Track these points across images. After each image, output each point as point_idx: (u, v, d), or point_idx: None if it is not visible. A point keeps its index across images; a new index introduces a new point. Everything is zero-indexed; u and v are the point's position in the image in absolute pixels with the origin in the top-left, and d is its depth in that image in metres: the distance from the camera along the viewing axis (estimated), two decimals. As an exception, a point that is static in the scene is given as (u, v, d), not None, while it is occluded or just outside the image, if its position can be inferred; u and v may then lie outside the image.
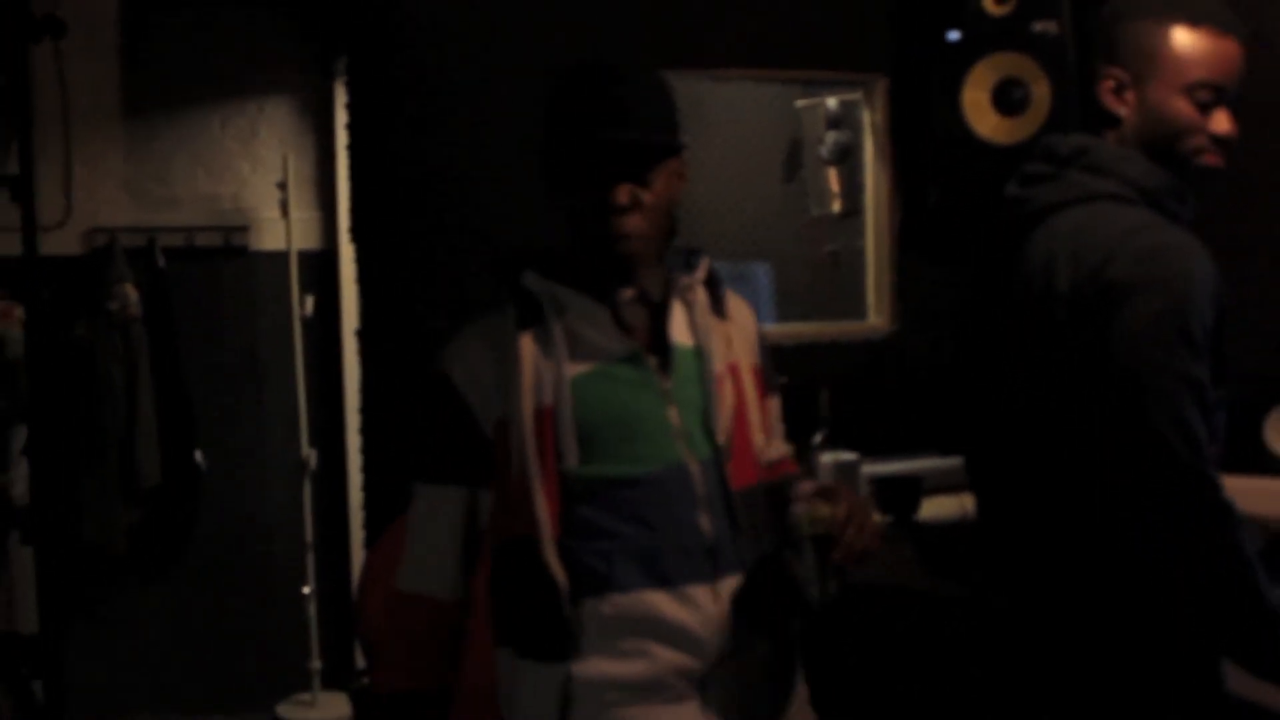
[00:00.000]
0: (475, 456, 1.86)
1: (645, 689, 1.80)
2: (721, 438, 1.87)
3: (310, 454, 4.55)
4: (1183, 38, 1.89)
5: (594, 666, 1.79)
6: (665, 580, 1.79)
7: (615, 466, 1.81)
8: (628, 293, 1.88)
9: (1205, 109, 1.89)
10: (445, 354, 1.91)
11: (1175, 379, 1.72)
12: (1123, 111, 1.93)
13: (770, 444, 2.05)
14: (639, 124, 1.81)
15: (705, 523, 1.83)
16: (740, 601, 1.84)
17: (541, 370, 1.82)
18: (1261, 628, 1.71)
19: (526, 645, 1.83)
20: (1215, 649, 1.82)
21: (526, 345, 1.83)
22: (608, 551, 1.79)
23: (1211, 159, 1.91)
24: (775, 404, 2.10)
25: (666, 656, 1.79)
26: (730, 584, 1.83)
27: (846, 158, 3.86)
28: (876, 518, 2.96)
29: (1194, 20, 1.89)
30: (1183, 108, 1.89)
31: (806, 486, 1.94)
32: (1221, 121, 1.90)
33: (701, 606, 1.80)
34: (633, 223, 1.81)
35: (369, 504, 3.25)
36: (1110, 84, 1.94)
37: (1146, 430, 1.72)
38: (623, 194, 1.80)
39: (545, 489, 1.79)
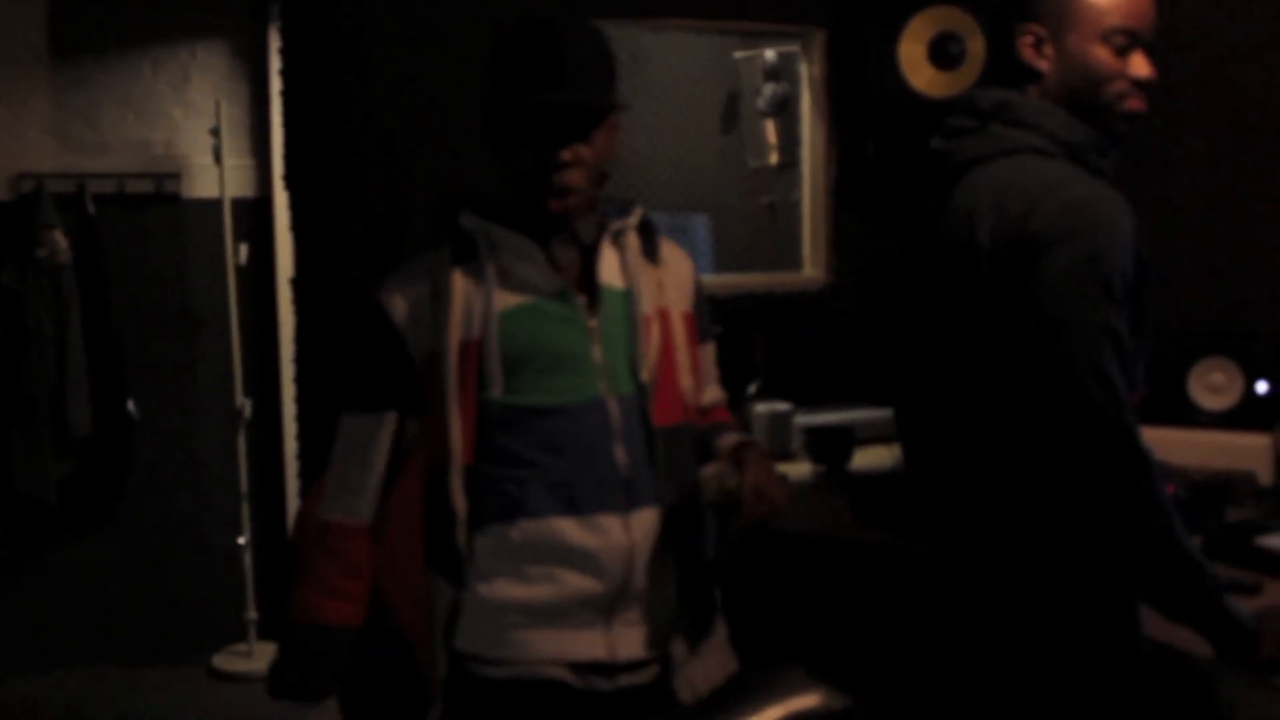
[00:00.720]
0: (404, 384, 1.93)
1: (548, 613, 1.88)
2: (645, 376, 1.95)
3: (245, 403, 4.50)
4: None
5: (498, 589, 1.88)
6: (575, 508, 1.87)
7: (536, 397, 1.88)
8: (559, 235, 1.95)
9: (1123, 53, 1.90)
10: (384, 287, 1.96)
11: (1095, 329, 1.74)
12: (1043, 66, 1.94)
13: (703, 389, 2.14)
14: (583, 85, 1.86)
15: (621, 455, 1.91)
16: (652, 535, 1.91)
17: (472, 304, 1.90)
18: (1177, 572, 1.73)
19: (434, 563, 1.93)
20: (1133, 594, 1.85)
21: (458, 280, 1.91)
22: (522, 479, 1.87)
23: (1134, 103, 1.92)
24: (709, 351, 2.18)
25: (572, 581, 1.87)
26: (643, 517, 1.91)
27: (784, 110, 3.85)
28: (801, 468, 3.02)
29: None
30: (1101, 54, 1.90)
31: (727, 441, 2.03)
32: (1140, 65, 1.91)
33: (611, 535, 1.87)
34: (573, 177, 1.88)
35: (304, 453, 3.23)
36: (1029, 39, 1.94)
37: (1066, 379, 1.73)
38: (566, 153, 1.86)
39: (462, 417, 1.87)
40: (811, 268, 3.71)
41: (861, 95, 3.24)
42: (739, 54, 3.96)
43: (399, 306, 1.93)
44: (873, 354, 3.49)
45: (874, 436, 3.25)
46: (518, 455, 1.88)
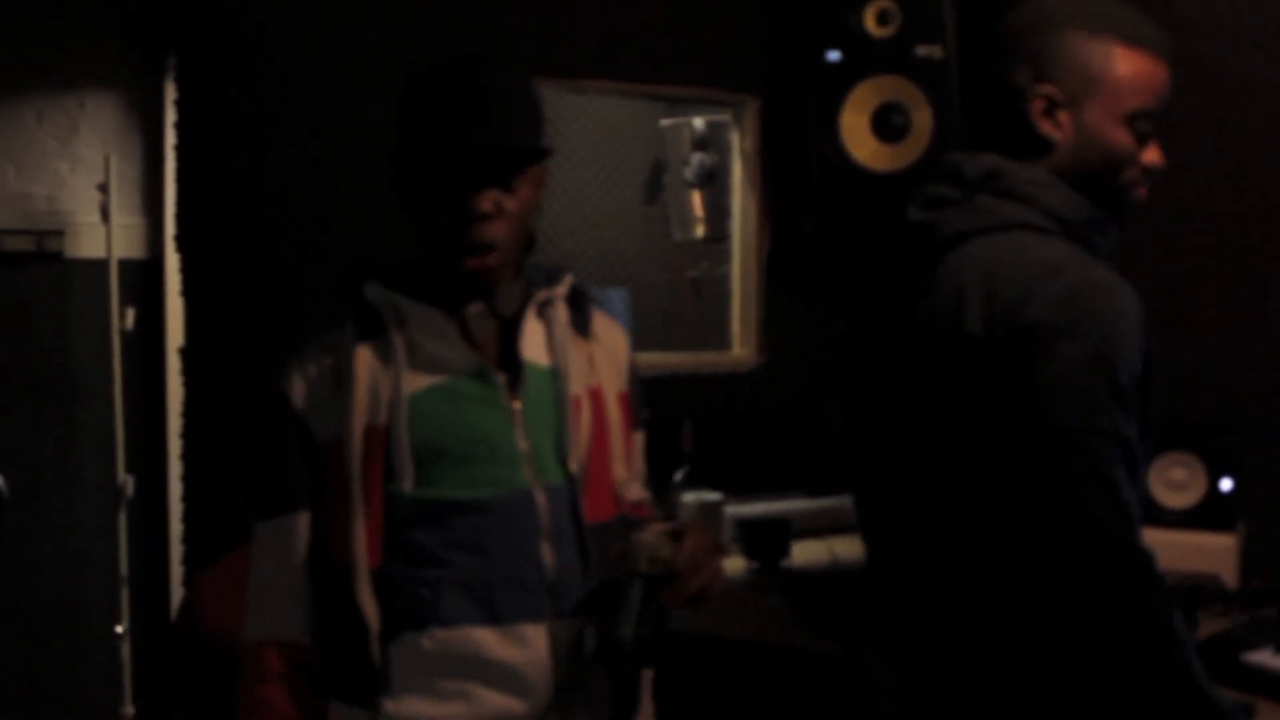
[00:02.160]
0: (314, 475, 1.73)
1: None
2: (575, 465, 1.75)
3: (127, 480, 4.20)
4: (1124, 61, 1.72)
5: (409, 706, 1.67)
6: (495, 616, 1.66)
7: (453, 490, 1.68)
8: (477, 306, 1.77)
9: (1143, 140, 1.74)
10: (284, 373, 1.77)
11: (1102, 437, 1.53)
12: (1057, 135, 1.73)
13: (630, 484, 1.90)
14: (506, 125, 1.70)
15: (548, 556, 1.70)
16: (579, 647, 1.70)
17: (379, 385, 1.71)
18: (1191, 712, 1.53)
19: (334, 685, 1.72)
20: None
21: (363, 359, 1.72)
22: (435, 580, 1.66)
23: (1142, 192, 1.77)
24: (639, 441, 1.95)
25: (489, 700, 1.67)
26: (570, 626, 1.70)
27: (712, 181, 3.73)
28: (734, 564, 2.82)
29: (1133, 41, 1.72)
30: (1122, 138, 1.72)
31: (656, 526, 1.79)
32: (1154, 153, 1.76)
33: (532, 647, 1.67)
34: (495, 230, 1.70)
35: (190, 535, 3.10)
36: (1041, 104, 1.73)
37: (1070, 496, 1.52)
38: (486, 201, 1.69)
39: (367, 514, 1.67)
40: (741, 347, 3.56)
41: (799, 167, 3.11)
42: (665, 121, 3.87)
43: (298, 390, 1.74)
44: (807, 441, 3.34)
45: (810, 529, 3.07)
46: (431, 554, 1.67)
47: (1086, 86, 1.72)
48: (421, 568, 1.67)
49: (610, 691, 1.74)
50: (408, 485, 1.67)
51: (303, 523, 1.73)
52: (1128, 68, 1.72)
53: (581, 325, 1.85)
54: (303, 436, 1.73)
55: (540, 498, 1.71)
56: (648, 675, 1.85)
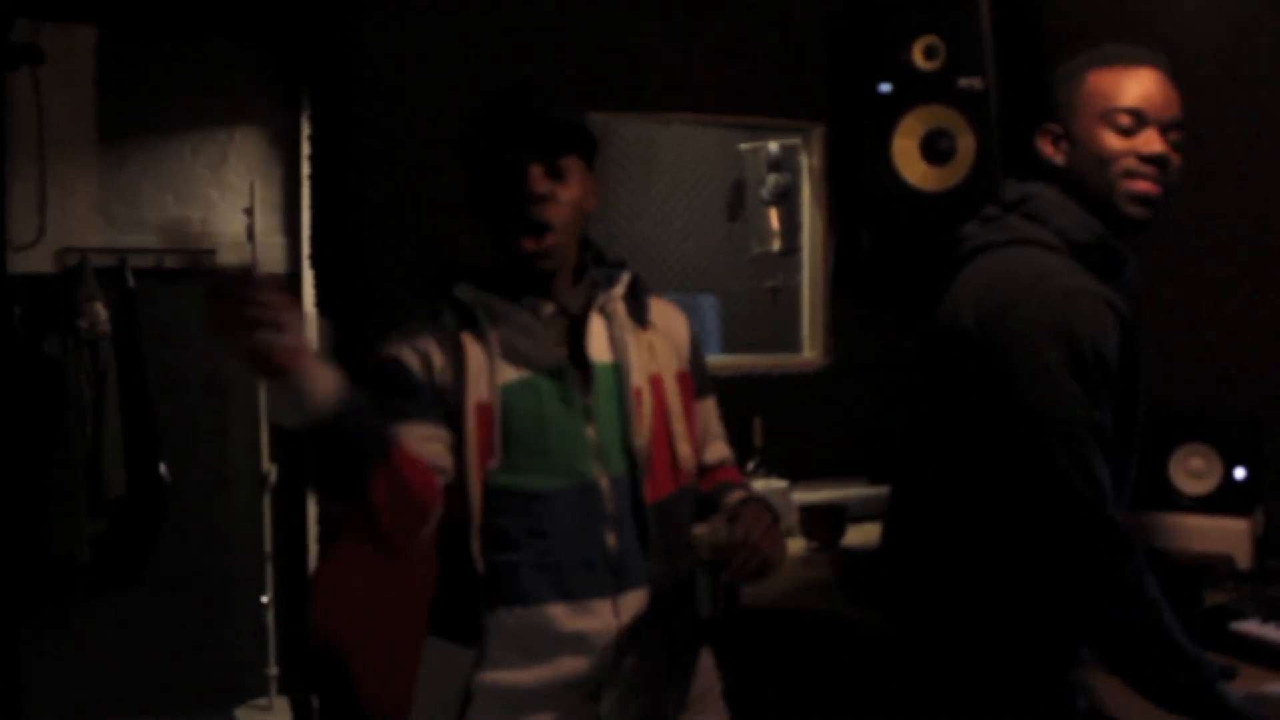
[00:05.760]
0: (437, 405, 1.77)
1: (541, 697, 1.79)
2: (638, 453, 1.83)
3: (271, 469, 4.50)
4: (1094, 79, 1.90)
5: (493, 675, 1.79)
6: (567, 594, 1.78)
7: (529, 478, 1.78)
8: (548, 307, 1.85)
9: (1129, 133, 1.86)
10: (390, 346, 1.81)
11: (1076, 424, 1.69)
12: (1059, 160, 1.92)
13: (707, 447, 2.01)
14: (547, 104, 1.81)
15: (611, 539, 1.80)
16: (641, 615, 1.82)
17: (480, 369, 1.78)
18: (1167, 662, 1.68)
19: (443, 625, 1.84)
20: (1124, 682, 1.76)
21: (468, 343, 1.79)
22: (514, 564, 1.77)
23: (1141, 185, 1.86)
24: (709, 406, 2.04)
25: (566, 664, 1.78)
26: (633, 598, 1.81)
27: (786, 199, 3.86)
28: (796, 544, 2.98)
29: (1101, 63, 1.91)
30: (1105, 136, 1.86)
31: (731, 498, 1.91)
32: (1150, 141, 1.85)
33: (601, 618, 1.79)
34: (548, 211, 1.78)
35: (324, 517, 3.20)
36: (1048, 138, 1.94)
37: (1048, 472, 1.69)
38: (538, 181, 1.78)
39: (479, 483, 1.76)
40: (810, 350, 3.69)
41: (857, 187, 3.23)
42: (744, 145, 3.99)
43: (414, 357, 1.78)
44: (867, 433, 3.48)
45: (866, 514, 3.21)
46: (510, 538, 1.78)
47: (1071, 112, 1.91)
48: (502, 551, 1.77)
49: (666, 650, 1.85)
50: (494, 464, 1.76)
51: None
52: (1096, 82, 1.90)
53: (640, 316, 1.92)
54: (419, 390, 1.75)
55: (605, 487, 1.80)
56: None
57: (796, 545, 3.03)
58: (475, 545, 1.76)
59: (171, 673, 4.58)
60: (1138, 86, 1.87)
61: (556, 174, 1.80)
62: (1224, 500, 2.73)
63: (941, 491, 1.91)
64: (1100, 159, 1.86)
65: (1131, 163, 1.85)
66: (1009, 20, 3.10)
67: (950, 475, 1.89)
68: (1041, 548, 1.71)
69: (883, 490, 3.37)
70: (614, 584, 1.80)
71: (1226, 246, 2.96)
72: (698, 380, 2.00)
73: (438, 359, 1.79)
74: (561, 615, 1.78)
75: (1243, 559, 2.67)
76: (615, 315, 1.89)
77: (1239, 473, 2.73)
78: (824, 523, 3.03)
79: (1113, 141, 1.85)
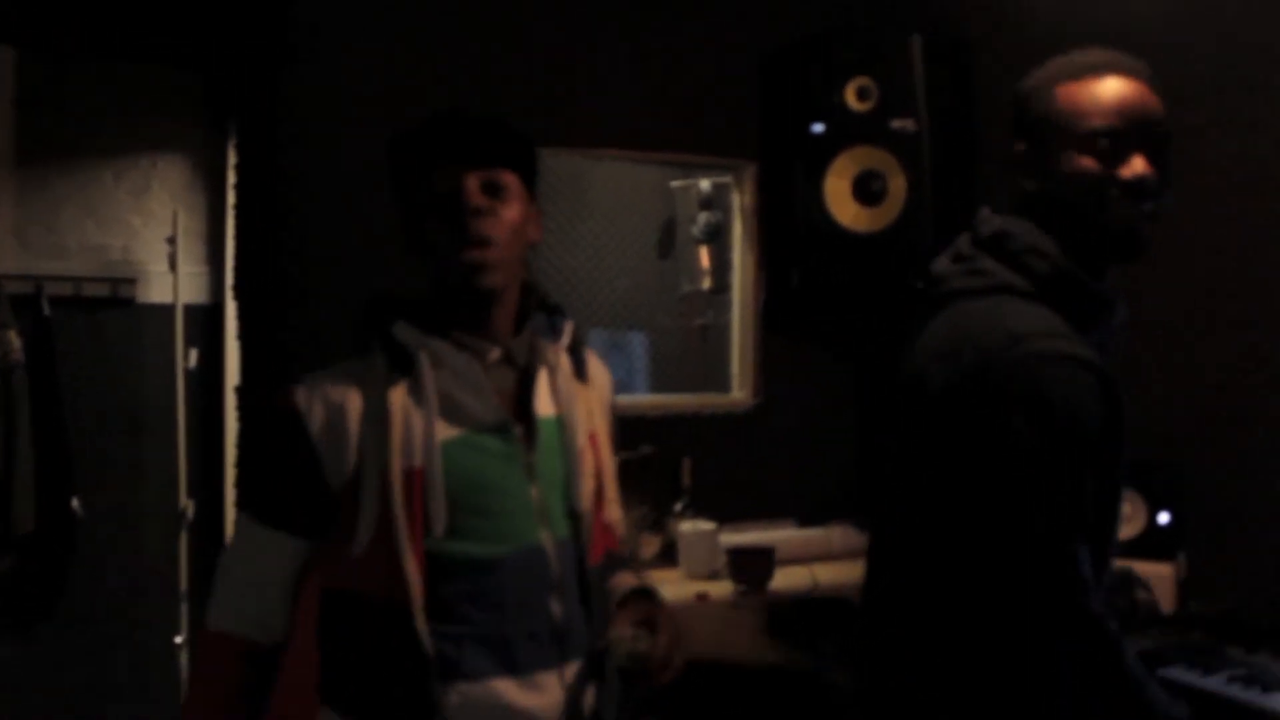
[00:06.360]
0: (311, 508, 1.64)
1: None
2: (581, 514, 1.73)
3: (188, 505, 4.37)
4: (1064, 95, 1.67)
5: None
6: (514, 668, 1.65)
7: (475, 545, 1.64)
8: (493, 353, 1.71)
9: (1107, 156, 1.63)
10: (301, 391, 1.65)
11: (1056, 515, 1.51)
12: (1032, 185, 1.70)
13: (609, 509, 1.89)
14: (482, 118, 1.71)
15: (555, 606, 1.69)
16: (584, 683, 1.71)
17: (412, 427, 1.63)
18: None
19: (378, 717, 1.65)
20: None
21: (398, 398, 1.63)
22: (459, 637, 1.63)
23: (1125, 215, 1.64)
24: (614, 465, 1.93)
25: None
26: (575, 667, 1.71)
27: (717, 237, 3.84)
28: (723, 587, 2.92)
29: (1070, 76, 1.68)
30: (1085, 163, 1.63)
31: (621, 584, 1.82)
32: (1133, 165, 1.62)
33: (549, 693, 1.67)
34: (488, 226, 1.65)
35: None
36: (1016, 158, 1.73)
37: (1027, 573, 1.53)
38: (474, 190, 1.65)
39: (415, 556, 1.60)
40: (739, 389, 3.67)
41: (788, 227, 3.21)
42: (675, 183, 3.98)
43: (318, 420, 1.62)
44: (796, 475, 3.46)
45: (795, 557, 3.19)
46: (454, 610, 1.63)
47: (1041, 133, 1.69)
48: (445, 623, 1.62)
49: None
50: (439, 531, 1.61)
51: (286, 544, 1.67)
52: (1065, 98, 1.67)
53: (581, 371, 1.81)
54: (309, 463, 1.62)
55: (550, 549, 1.69)
56: None
57: (724, 588, 2.98)
58: (420, 623, 1.60)
59: (80, 714, 4.40)
60: (1111, 100, 1.64)
61: (494, 190, 1.67)
62: (1148, 544, 2.73)
63: (916, 559, 1.73)
64: (1077, 187, 1.64)
65: (1112, 192, 1.63)
66: (942, 62, 3.10)
67: (923, 545, 1.71)
68: (1021, 646, 1.58)
69: (810, 533, 3.35)
70: (558, 654, 1.69)
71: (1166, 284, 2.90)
72: (615, 440, 1.92)
73: (355, 415, 1.63)
74: (509, 691, 1.64)
75: (1166, 603, 2.66)
76: (559, 368, 1.77)
77: (1163, 517, 2.73)
78: (752, 566, 2.98)
79: (1089, 166, 1.63)
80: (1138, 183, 1.62)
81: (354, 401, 1.63)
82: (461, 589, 1.63)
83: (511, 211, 1.68)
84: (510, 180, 1.70)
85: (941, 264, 1.78)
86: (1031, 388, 1.53)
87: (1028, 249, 1.66)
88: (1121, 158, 1.63)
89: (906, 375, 1.74)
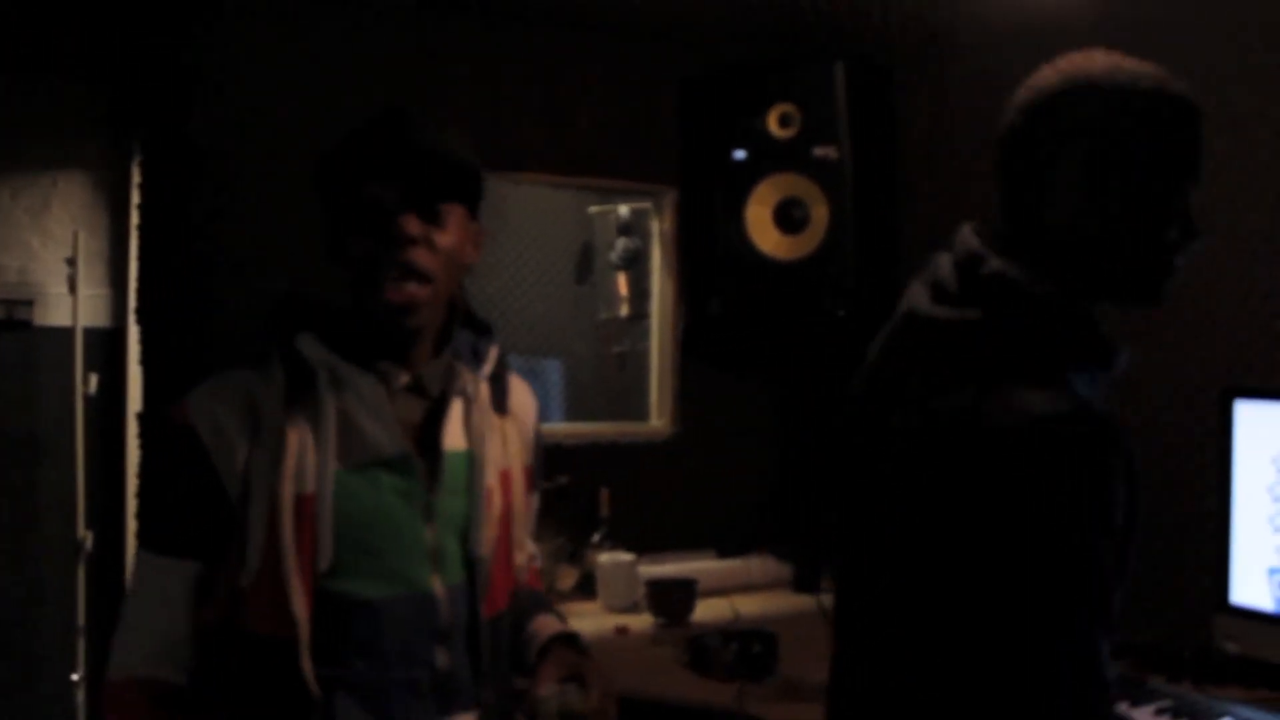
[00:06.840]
0: (213, 525, 1.51)
1: None
2: (480, 561, 1.61)
3: (86, 535, 4.19)
4: None
5: None
6: (388, 718, 1.53)
7: (359, 584, 1.52)
8: (402, 378, 1.59)
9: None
10: (192, 403, 1.54)
11: (1075, 606, 1.28)
12: (1091, 227, 1.42)
13: (522, 544, 1.77)
14: (422, 135, 1.54)
15: (441, 657, 1.58)
16: None
17: (305, 452, 1.51)
18: None
19: None
20: None
21: (293, 420, 1.51)
22: (330, 681, 1.50)
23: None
24: (534, 501, 1.83)
25: None
26: None
27: (635, 263, 3.81)
28: (643, 620, 2.85)
29: None
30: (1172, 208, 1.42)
31: (543, 629, 1.71)
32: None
33: None
34: (421, 257, 1.52)
35: None
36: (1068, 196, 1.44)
37: (1035, 654, 1.30)
38: (411, 224, 1.51)
39: (303, 589, 1.48)
40: (658, 418, 3.61)
41: (708, 254, 3.17)
42: (594, 208, 3.94)
43: (212, 433, 1.50)
44: (715, 504, 3.41)
45: (716, 589, 3.14)
46: (330, 651, 1.51)
47: (1114, 151, 1.41)
48: (319, 664, 1.50)
49: None
50: (324, 564, 1.50)
51: (190, 571, 1.53)
52: None
53: (500, 402, 1.70)
54: (206, 478, 1.50)
55: (441, 596, 1.58)
56: None
57: (644, 621, 2.92)
58: (307, 664, 1.48)
59: (-32, 757, 4.22)
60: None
61: (432, 217, 1.54)
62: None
63: (911, 649, 1.44)
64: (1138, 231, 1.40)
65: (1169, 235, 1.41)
66: (864, 91, 3.09)
67: (922, 637, 1.42)
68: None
69: (730, 564, 3.30)
70: (438, 707, 1.57)
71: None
72: (537, 474, 1.81)
73: (245, 430, 1.51)
74: None
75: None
76: (476, 398, 1.65)
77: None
78: (673, 598, 2.92)
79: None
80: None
81: (248, 415, 1.52)
82: (338, 631, 1.51)
83: (448, 239, 1.56)
84: (451, 208, 1.58)
85: (920, 304, 1.50)
86: (1050, 462, 1.29)
87: (1029, 308, 1.40)
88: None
89: (888, 425, 1.48)
